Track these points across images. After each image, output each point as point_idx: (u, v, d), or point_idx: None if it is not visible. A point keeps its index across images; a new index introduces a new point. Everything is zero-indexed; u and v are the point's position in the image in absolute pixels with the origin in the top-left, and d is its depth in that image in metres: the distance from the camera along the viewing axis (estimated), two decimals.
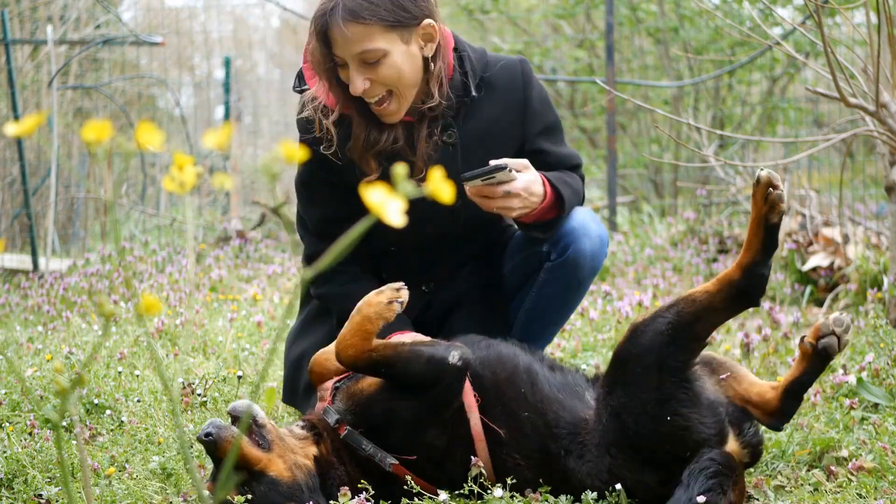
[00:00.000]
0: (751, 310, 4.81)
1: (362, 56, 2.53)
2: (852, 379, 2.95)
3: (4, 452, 2.61)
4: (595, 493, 2.26)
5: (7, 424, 2.81)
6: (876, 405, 2.90)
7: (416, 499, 2.28)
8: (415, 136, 2.68)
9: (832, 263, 5.14)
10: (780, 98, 8.88)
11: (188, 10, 11.72)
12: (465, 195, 2.57)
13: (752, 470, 2.50)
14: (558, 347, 3.53)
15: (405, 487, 2.28)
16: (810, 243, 5.39)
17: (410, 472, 2.29)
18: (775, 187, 2.18)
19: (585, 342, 3.62)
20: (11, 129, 1.19)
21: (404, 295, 2.34)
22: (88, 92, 8.83)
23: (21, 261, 6.93)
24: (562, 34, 10.57)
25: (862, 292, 4.57)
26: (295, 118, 2.77)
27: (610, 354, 3.48)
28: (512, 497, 2.27)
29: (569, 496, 2.29)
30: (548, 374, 2.41)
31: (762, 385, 2.41)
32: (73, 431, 2.69)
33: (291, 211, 3.64)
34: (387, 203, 1.04)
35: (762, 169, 2.17)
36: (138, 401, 3.01)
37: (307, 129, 2.69)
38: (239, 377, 3.07)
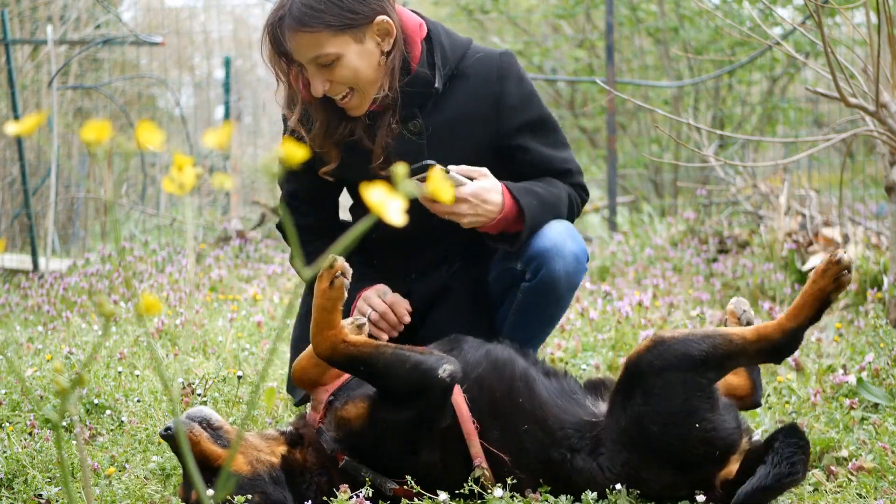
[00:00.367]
0: None
1: (316, 60, 2.57)
2: (852, 379, 2.95)
3: (4, 452, 2.61)
4: (595, 494, 2.27)
5: (7, 424, 2.81)
6: (876, 405, 2.90)
7: (416, 499, 2.28)
8: (376, 125, 2.71)
9: None
10: (780, 98, 8.89)
11: (188, 10, 11.73)
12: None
13: None
14: (558, 347, 3.53)
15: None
16: (810, 243, 5.39)
17: (410, 492, 2.28)
18: (850, 271, 2.19)
19: (585, 342, 3.62)
20: (11, 129, 1.19)
21: (340, 265, 2.29)
22: (88, 92, 8.83)
23: (21, 261, 6.93)
24: (562, 34, 10.57)
25: (862, 292, 4.57)
26: None
27: (610, 355, 3.50)
28: (512, 497, 2.27)
29: (569, 496, 2.30)
30: (544, 381, 2.41)
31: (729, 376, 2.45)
32: (73, 431, 2.69)
33: None
34: (387, 202, 1.04)
35: (845, 251, 2.20)
36: (138, 401, 3.01)
37: (286, 121, 2.81)
38: (239, 377, 3.07)
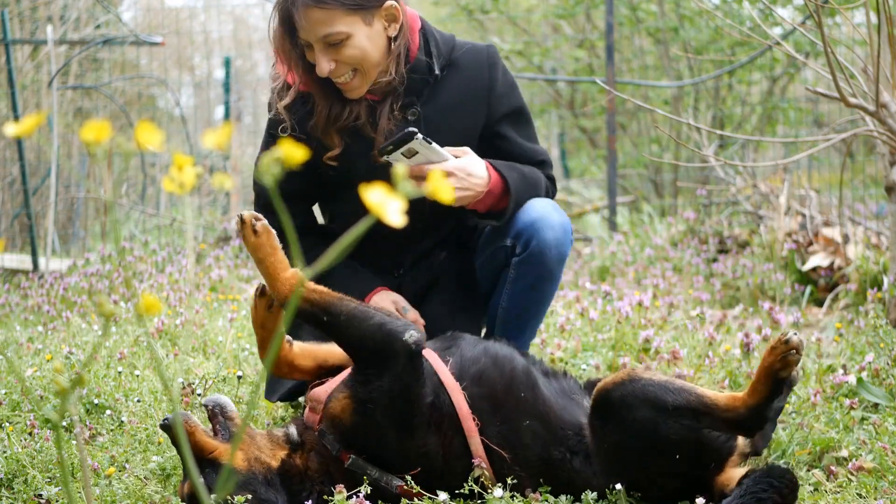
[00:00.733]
0: (750, 310, 4.84)
1: (326, 39, 2.63)
2: (852, 379, 2.95)
3: (4, 452, 2.61)
4: (595, 494, 2.27)
5: (7, 424, 2.81)
6: (876, 405, 2.90)
7: (415, 499, 2.27)
8: (377, 112, 2.77)
9: (832, 263, 5.14)
10: (780, 98, 8.88)
11: (188, 10, 11.72)
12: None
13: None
14: (558, 347, 3.53)
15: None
16: (810, 243, 5.39)
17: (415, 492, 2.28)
18: (798, 352, 2.18)
19: (585, 342, 3.62)
20: (11, 129, 1.19)
21: (247, 216, 2.29)
22: (88, 92, 8.83)
23: (21, 261, 6.93)
24: (562, 34, 10.56)
25: (862, 292, 4.57)
26: None
27: (610, 355, 3.50)
28: (512, 497, 2.27)
29: (569, 496, 2.30)
30: (544, 380, 2.42)
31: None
32: (73, 431, 2.69)
33: None
34: (386, 202, 1.04)
35: (796, 333, 2.19)
36: (138, 401, 3.01)
37: (270, 109, 2.85)
38: (239, 377, 3.07)
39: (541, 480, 2.33)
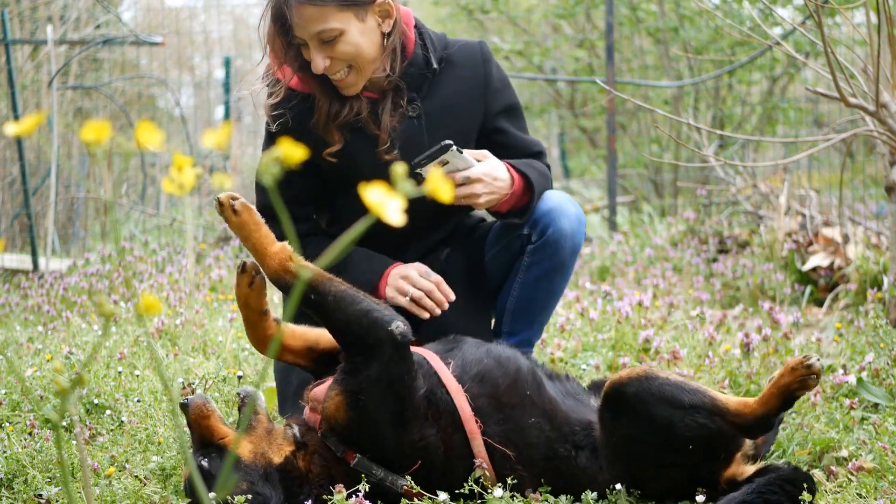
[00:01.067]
0: (750, 310, 4.84)
1: (320, 35, 2.64)
2: (852, 379, 2.95)
3: (4, 452, 2.61)
4: (595, 494, 2.28)
5: (7, 424, 2.81)
6: (876, 405, 2.90)
7: (415, 499, 2.27)
8: (379, 109, 2.78)
9: (832, 263, 5.14)
10: (780, 98, 8.88)
11: (188, 10, 11.73)
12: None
13: None
14: (558, 348, 3.52)
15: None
16: (810, 243, 5.39)
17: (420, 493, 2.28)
18: (818, 377, 2.23)
19: (585, 342, 3.62)
20: (11, 129, 1.19)
21: (224, 197, 2.29)
22: (88, 92, 8.82)
23: (21, 261, 6.93)
24: (562, 34, 10.57)
25: (862, 292, 4.57)
26: None
27: (610, 355, 3.50)
28: (512, 497, 2.27)
29: (569, 496, 2.30)
30: (548, 382, 2.44)
31: None
32: (73, 431, 2.69)
33: None
34: (386, 202, 1.04)
35: (818, 359, 2.23)
36: (138, 401, 3.01)
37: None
38: (239, 377, 3.07)
39: (542, 480, 2.33)
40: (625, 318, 3.64)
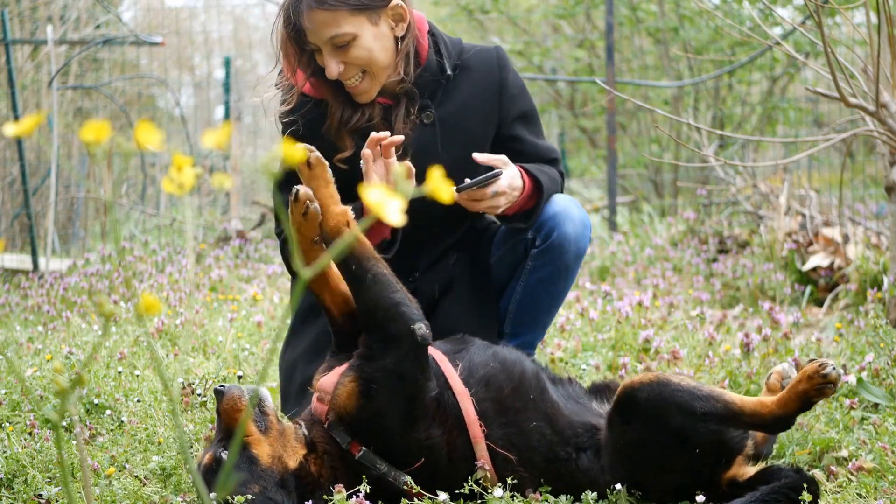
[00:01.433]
0: (750, 310, 4.84)
1: (333, 40, 2.63)
2: (852, 379, 2.95)
3: (4, 452, 2.61)
4: (595, 494, 2.28)
5: (7, 424, 2.81)
6: (876, 405, 2.90)
7: (415, 499, 2.27)
8: (392, 116, 2.77)
9: (832, 263, 5.14)
10: (780, 98, 8.89)
11: (188, 10, 11.73)
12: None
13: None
14: (558, 348, 3.52)
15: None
16: (810, 243, 5.39)
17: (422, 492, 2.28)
18: (835, 386, 2.25)
19: (585, 342, 3.62)
20: (11, 129, 1.19)
21: (313, 156, 2.36)
22: (88, 92, 8.83)
23: (21, 261, 6.93)
24: (562, 34, 10.57)
25: (862, 292, 4.57)
26: None
27: (610, 355, 3.50)
28: (512, 497, 2.27)
29: (569, 496, 2.30)
30: (552, 385, 2.45)
31: None
32: (73, 431, 2.69)
33: None
34: (385, 202, 1.04)
35: (834, 367, 2.24)
36: (138, 401, 3.01)
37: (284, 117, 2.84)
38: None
39: (542, 481, 2.33)
40: (625, 318, 3.64)
